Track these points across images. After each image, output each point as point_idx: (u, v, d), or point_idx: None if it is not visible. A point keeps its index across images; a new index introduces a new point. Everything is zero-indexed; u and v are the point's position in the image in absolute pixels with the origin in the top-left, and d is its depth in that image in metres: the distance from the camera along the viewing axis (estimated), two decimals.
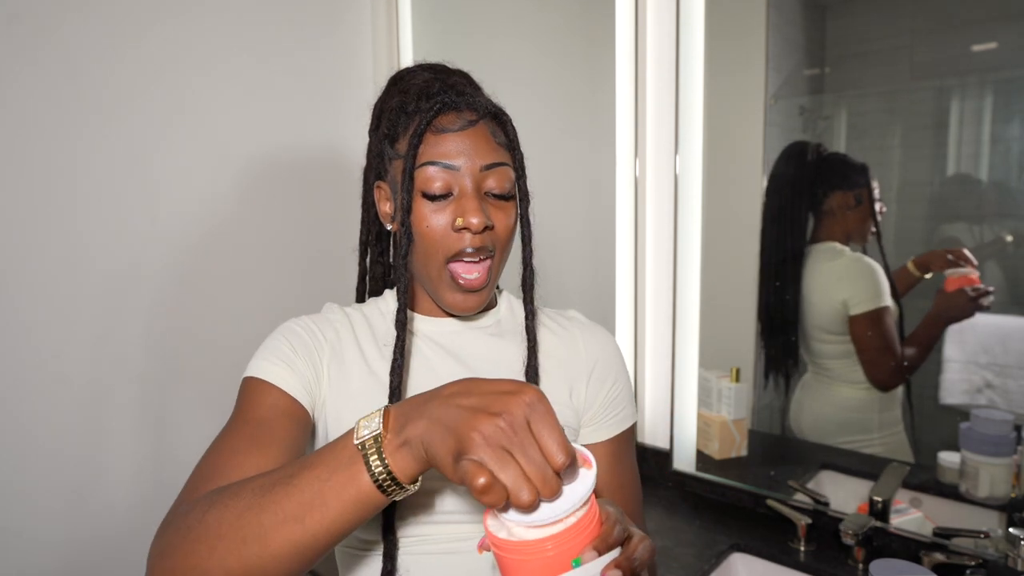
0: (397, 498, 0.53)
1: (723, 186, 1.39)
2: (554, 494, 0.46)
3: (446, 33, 1.79)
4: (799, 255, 1.35)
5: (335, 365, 0.73)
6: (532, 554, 0.46)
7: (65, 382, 1.30)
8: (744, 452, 1.41)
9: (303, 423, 0.68)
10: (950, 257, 1.17)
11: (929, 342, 1.22)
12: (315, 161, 1.73)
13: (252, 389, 0.69)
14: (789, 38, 1.34)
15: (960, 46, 1.13)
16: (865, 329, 1.29)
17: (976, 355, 1.14)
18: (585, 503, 0.47)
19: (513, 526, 0.47)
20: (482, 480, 0.45)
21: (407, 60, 1.84)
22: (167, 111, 1.42)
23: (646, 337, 1.48)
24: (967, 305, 1.15)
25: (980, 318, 1.14)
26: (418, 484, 0.53)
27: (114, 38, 1.34)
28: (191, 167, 1.47)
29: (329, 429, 0.72)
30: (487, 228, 0.70)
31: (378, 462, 0.50)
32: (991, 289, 1.13)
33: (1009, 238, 1.11)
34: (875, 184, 1.23)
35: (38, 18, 1.24)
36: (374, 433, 0.51)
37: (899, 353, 1.25)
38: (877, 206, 1.24)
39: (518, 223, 0.74)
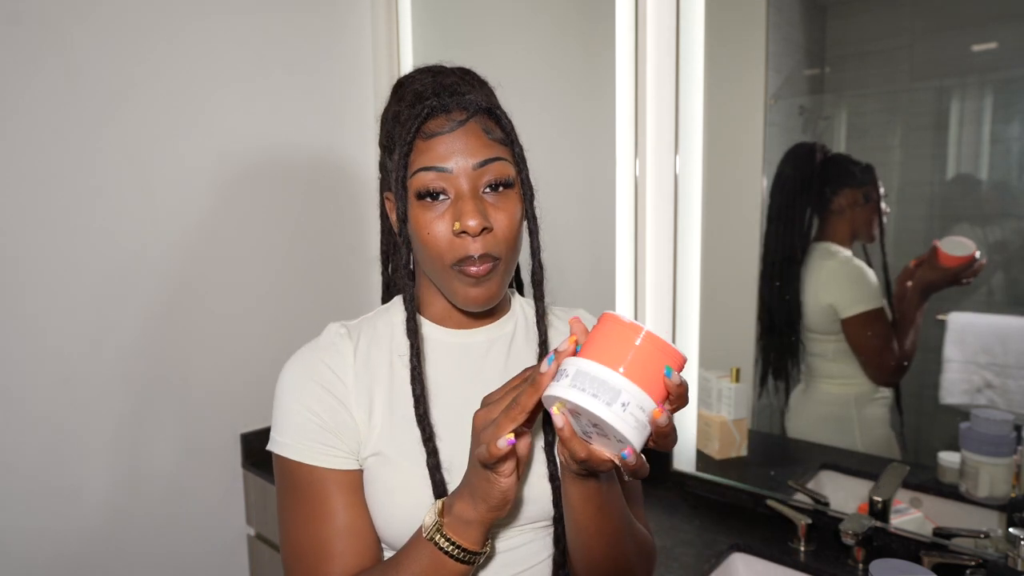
0: (478, 562, 0.66)
1: (723, 186, 1.39)
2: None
3: (446, 34, 1.79)
4: (802, 255, 1.35)
5: (362, 400, 0.73)
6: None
7: (65, 382, 1.30)
8: (744, 452, 1.41)
9: (358, 485, 0.73)
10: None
11: (913, 314, 1.22)
12: (315, 162, 1.73)
13: (305, 477, 0.71)
14: (789, 38, 1.34)
15: (960, 46, 1.13)
16: (860, 331, 1.29)
17: (976, 355, 1.14)
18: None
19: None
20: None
21: (407, 61, 1.84)
22: (166, 113, 1.42)
23: None
24: (954, 277, 1.15)
25: (980, 318, 1.14)
26: (488, 546, 0.66)
27: (114, 39, 1.34)
28: (191, 168, 1.47)
29: (378, 455, 0.72)
30: (485, 229, 0.69)
31: (445, 542, 0.63)
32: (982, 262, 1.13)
33: None
34: (880, 184, 1.24)
35: (38, 18, 1.23)
36: (434, 523, 0.64)
37: (896, 351, 1.26)
38: (882, 205, 1.24)
39: (523, 218, 0.72)
